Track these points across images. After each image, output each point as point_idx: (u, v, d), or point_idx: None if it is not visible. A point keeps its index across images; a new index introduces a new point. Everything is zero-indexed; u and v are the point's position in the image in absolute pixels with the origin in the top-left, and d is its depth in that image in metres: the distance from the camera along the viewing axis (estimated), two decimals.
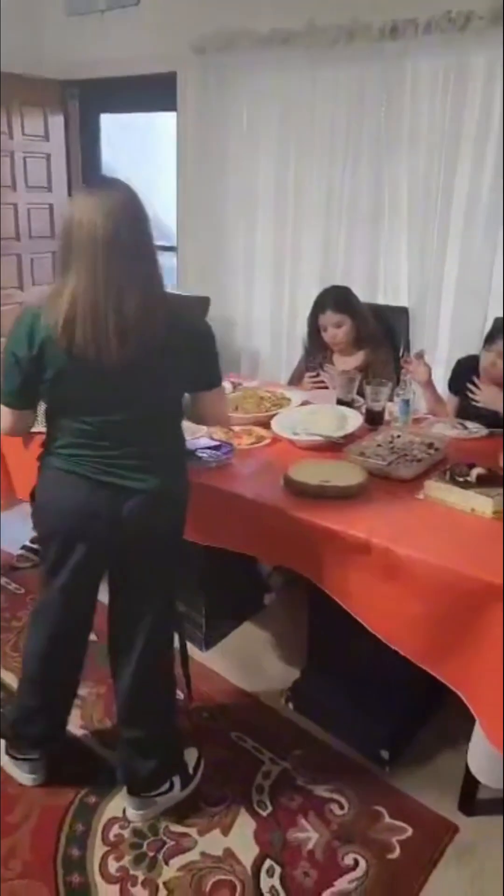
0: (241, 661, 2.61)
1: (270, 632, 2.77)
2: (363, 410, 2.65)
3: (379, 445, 2.27)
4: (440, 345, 3.37)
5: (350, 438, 2.34)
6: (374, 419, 2.57)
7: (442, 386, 3.27)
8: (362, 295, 3.16)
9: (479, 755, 1.84)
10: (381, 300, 3.53)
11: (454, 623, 1.68)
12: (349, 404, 2.68)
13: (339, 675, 2.28)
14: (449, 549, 1.73)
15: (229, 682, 2.51)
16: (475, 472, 1.98)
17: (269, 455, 2.33)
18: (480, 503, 1.90)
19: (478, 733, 1.79)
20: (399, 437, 2.37)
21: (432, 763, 2.18)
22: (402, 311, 3.35)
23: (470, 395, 2.62)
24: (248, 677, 2.53)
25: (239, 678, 2.52)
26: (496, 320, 2.80)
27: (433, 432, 2.47)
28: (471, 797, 1.99)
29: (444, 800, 2.04)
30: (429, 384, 2.75)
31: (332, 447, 2.33)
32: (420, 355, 2.73)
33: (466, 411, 2.75)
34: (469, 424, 2.62)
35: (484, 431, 2.55)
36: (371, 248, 3.55)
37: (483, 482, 1.96)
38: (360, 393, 2.74)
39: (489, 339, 2.65)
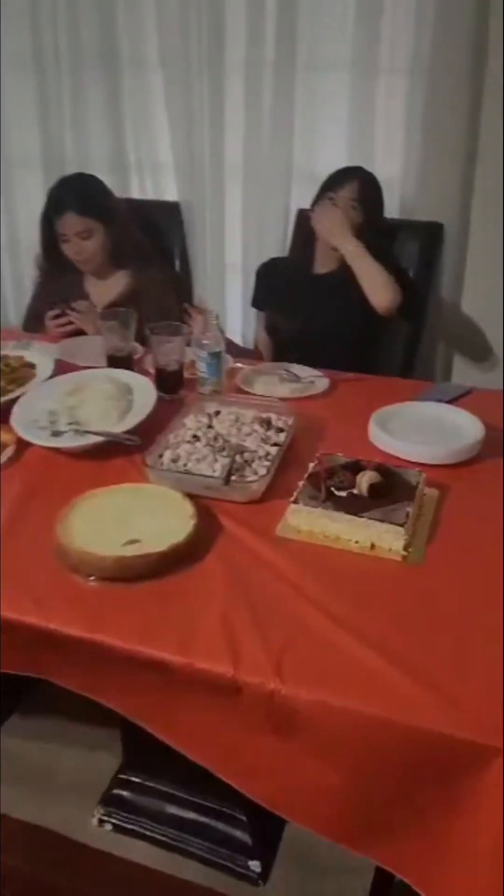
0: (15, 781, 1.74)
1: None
2: (149, 368, 1.77)
3: (195, 438, 1.43)
4: (231, 247, 2.52)
5: (146, 425, 1.47)
6: (168, 384, 1.71)
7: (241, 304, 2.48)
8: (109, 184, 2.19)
9: None
10: (136, 193, 2.57)
11: (390, 798, 0.96)
12: (125, 362, 1.78)
13: (167, 769, 1.54)
14: (354, 666, 0.97)
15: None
16: (364, 479, 1.24)
17: (16, 483, 1.38)
18: (385, 536, 1.17)
19: None
20: (218, 413, 1.54)
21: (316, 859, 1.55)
22: (172, 208, 2.44)
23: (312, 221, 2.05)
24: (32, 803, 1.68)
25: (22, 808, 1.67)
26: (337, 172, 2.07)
27: (261, 397, 1.69)
28: None
29: None
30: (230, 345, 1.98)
31: (121, 446, 1.44)
32: (201, 310, 1.90)
33: (282, 338, 2.12)
34: (297, 369, 1.88)
35: (323, 382, 1.82)
36: (111, 114, 2.51)
37: (380, 495, 1.23)
38: (141, 339, 1.85)
39: (329, 186, 2.04)
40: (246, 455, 1.36)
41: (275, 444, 1.40)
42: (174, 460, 1.36)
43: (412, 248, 2.19)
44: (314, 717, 0.93)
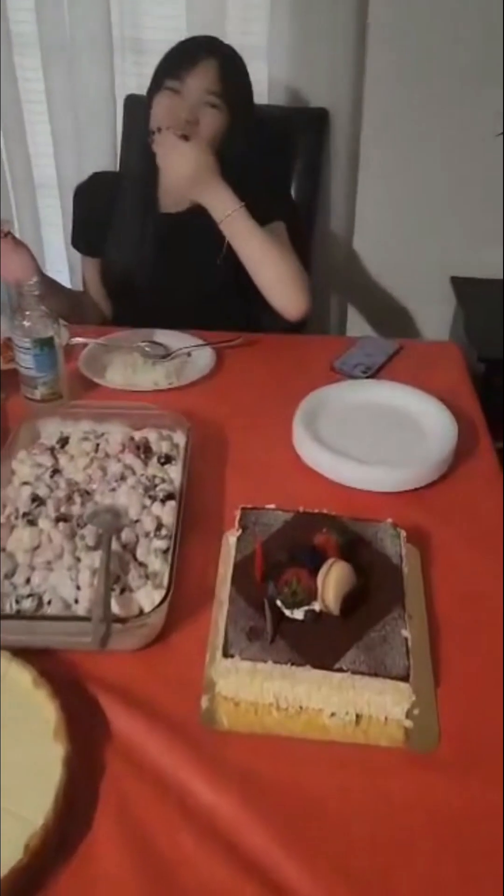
0: None
1: None
2: None
3: (36, 502, 0.87)
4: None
5: None
6: None
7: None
8: None
9: None
10: None
11: None
12: None
13: None
14: None
15: None
16: (331, 582, 0.73)
17: None
18: (379, 702, 0.70)
19: None
20: (65, 443, 0.98)
21: None
22: None
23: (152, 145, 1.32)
24: None
25: None
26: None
27: (124, 392, 1.14)
28: None
29: None
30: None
31: None
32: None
33: (121, 292, 1.53)
34: (164, 337, 1.33)
35: (204, 356, 1.29)
36: None
37: (355, 602, 0.75)
38: None
39: (170, 72, 1.34)
40: (125, 536, 0.83)
41: (167, 498, 0.88)
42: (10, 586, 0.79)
43: (287, 145, 1.63)
44: None
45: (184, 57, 1.34)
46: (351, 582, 0.75)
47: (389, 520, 0.85)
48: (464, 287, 1.88)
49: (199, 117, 1.32)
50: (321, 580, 0.74)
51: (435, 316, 1.92)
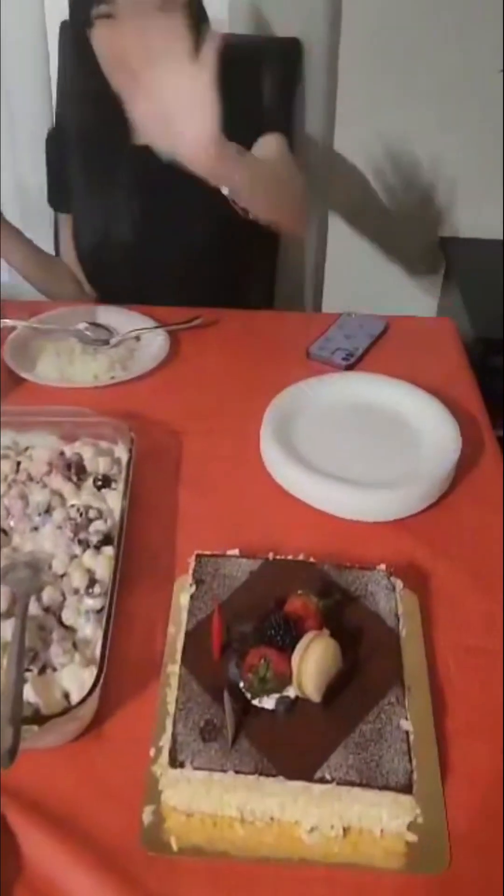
0: None
1: None
2: None
3: None
4: None
5: None
6: None
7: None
8: None
9: None
10: None
11: None
12: None
13: None
14: None
15: None
16: (310, 662, 0.56)
17: None
18: (373, 815, 0.54)
19: None
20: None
21: None
22: None
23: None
24: None
25: None
26: None
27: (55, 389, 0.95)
28: None
29: None
30: None
31: None
32: None
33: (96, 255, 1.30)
34: (106, 315, 1.14)
35: (155, 341, 1.09)
36: None
37: (339, 683, 0.59)
38: None
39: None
40: (47, 596, 0.65)
41: (102, 543, 0.69)
42: None
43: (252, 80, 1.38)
44: None
45: None
46: (336, 664, 0.58)
47: (382, 566, 0.68)
48: (456, 249, 1.67)
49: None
50: (297, 662, 0.57)
51: (422, 281, 1.71)
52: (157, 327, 1.13)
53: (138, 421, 0.89)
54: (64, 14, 1.37)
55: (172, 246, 1.26)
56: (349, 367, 1.09)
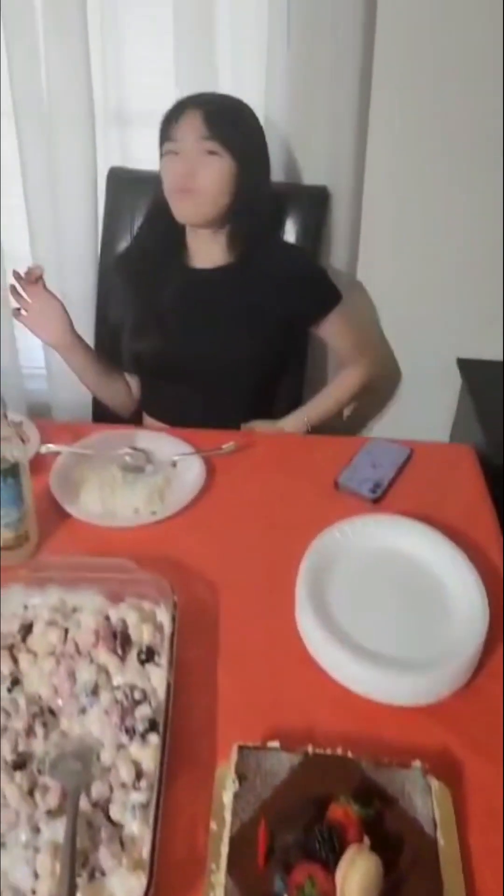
0: None
1: None
2: None
3: None
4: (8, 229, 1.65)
5: None
6: None
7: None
8: None
9: None
10: None
11: None
12: None
13: None
14: None
15: None
16: (352, 883, 0.58)
17: None
18: None
19: None
20: (27, 632, 0.82)
21: None
22: None
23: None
24: None
25: None
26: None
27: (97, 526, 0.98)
28: None
29: None
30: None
31: None
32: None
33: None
34: (147, 439, 1.18)
35: (193, 467, 1.13)
36: None
37: None
38: None
39: (161, 144, 1.29)
40: (96, 791, 0.67)
41: (148, 730, 0.72)
42: None
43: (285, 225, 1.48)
44: None
45: (171, 115, 1.27)
46: (378, 883, 0.60)
47: (417, 763, 0.70)
48: (473, 370, 1.73)
49: (196, 168, 1.23)
50: (341, 881, 0.60)
51: (439, 401, 1.76)
52: (193, 453, 1.17)
53: (178, 572, 0.92)
54: (111, 162, 1.50)
55: (213, 358, 1.34)
56: (377, 500, 1.12)
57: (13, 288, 1.25)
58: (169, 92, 1.41)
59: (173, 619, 0.82)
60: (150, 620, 0.84)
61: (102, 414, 1.54)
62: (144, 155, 1.39)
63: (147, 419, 1.47)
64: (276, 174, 1.41)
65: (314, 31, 1.37)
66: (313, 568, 0.92)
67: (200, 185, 1.24)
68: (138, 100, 1.54)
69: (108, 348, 1.44)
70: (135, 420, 1.48)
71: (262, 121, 1.32)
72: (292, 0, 1.36)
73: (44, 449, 1.14)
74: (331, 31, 1.36)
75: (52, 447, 1.15)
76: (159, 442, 1.20)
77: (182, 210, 1.28)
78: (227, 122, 1.24)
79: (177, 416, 1.37)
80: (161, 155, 1.28)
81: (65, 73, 1.42)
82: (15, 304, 1.28)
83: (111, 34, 1.48)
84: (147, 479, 1.12)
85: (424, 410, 1.78)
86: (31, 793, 0.67)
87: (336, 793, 0.66)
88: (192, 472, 1.14)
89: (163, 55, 1.46)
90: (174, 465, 1.17)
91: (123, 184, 1.51)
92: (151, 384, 1.45)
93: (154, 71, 1.50)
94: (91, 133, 1.48)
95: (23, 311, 1.27)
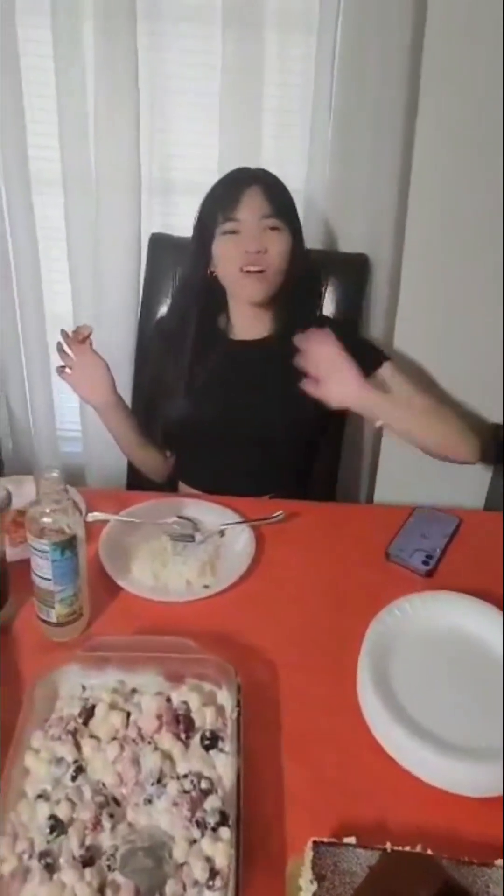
0: None
1: None
2: None
3: (53, 833, 0.70)
4: (54, 293, 1.70)
5: None
6: None
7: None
8: None
9: None
10: None
11: None
12: None
13: None
14: None
15: None
16: None
17: None
18: None
19: None
20: (90, 713, 0.81)
21: None
22: None
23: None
24: None
25: None
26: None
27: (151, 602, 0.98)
28: None
29: None
30: None
31: None
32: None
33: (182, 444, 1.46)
34: (196, 509, 1.18)
35: (242, 538, 1.13)
36: None
37: None
38: None
39: (227, 206, 1.28)
40: (169, 890, 0.65)
41: (219, 824, 0.70)
42: None
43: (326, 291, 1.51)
44: None
45: (230, 193, 1.27)
46: None
47: (499, 862, 0.67)
48: None
49: (266, 246, 1.25)
50: None
51: (475, 469, 1.75)
52: (241, 522, 1.17)
53: (235, 651, 0.90)
54: (153, 228, 1.53)
55: (252, 427, 1.33)
56: (430, 573, 1.11)
57: (59, 346, 1.27)
58: (211, 162, 1.46)
59: (238, 703, 0.80)
60: (212, 703, 0.82)
61: (137, 479, 1.53)
62: (181, 223, 1.43)
63: (182, 486, 1.47)
64: (316, 242, 1.44)
65: (358, 102, 1.41)
66: (374, 651, 0.90)
67: (271, 262, 1.25)
68: (182, 171, 1.58)
69: (144, 418, 1.45)
70: (170, 486, 1.48)
71: (303, 195, 1.35)
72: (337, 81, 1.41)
73: (91, 517, 1.14)
74: (374, 106, 1.40)
75: (98, 515, 1.15)
76: (204, 510, 1.20)
77: (253, 289, 1.27)
78: (284, 196, 1.28)
79: (213, 484, 1.36)
80: (207, 233, 1.28)
81: (114, 147, 1.47)
82: (59, 363, 1.30)
83: (160, 115, 1.54)
84: (197, 549, 1.12)
85: (462, 476, 1.76)
86: (100, 890, 0.65)
87: (418, 895, 0.63)
88: (240, 541, 1.14)
89: (208, 129, 1.50)
90: (222, 534, 1.16)
91: (164, 248, 1.53)
92: (188, 451, 1.45)
93: (197, 144, 1.55)
94: (137, 200, 1.52)
95: (67, 370, 1.29)
